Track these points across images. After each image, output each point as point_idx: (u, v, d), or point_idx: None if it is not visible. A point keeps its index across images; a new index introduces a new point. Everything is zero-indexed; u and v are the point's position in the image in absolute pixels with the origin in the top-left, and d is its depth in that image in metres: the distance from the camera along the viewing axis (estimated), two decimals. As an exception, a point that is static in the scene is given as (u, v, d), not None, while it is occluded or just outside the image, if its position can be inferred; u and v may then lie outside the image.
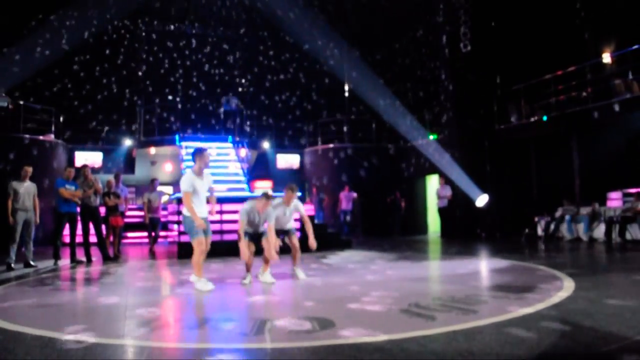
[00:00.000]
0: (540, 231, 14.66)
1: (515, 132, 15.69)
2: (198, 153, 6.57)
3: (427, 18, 17.96)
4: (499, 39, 15.50)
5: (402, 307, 5.00)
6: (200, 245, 6.38)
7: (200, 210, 6.49)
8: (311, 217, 13.35)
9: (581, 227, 13.44)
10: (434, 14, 17.37)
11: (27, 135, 15.56)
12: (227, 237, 11.42)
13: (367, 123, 19.61)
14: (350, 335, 3.97)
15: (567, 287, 5.94)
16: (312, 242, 7.25)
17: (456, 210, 15.64)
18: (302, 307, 5.34)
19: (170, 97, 20.45)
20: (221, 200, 10.81)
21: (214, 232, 11.13)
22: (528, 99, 15.49)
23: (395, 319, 4.54)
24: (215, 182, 15.40)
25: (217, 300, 5.88)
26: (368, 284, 6.76)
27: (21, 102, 15.81)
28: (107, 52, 19.93)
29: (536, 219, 14.88)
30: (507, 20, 15.42)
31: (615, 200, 13.57)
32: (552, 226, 14.20)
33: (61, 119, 17.61)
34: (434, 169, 16.97)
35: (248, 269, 7.03)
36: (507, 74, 15.84)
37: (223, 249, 10.46)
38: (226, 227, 11.63)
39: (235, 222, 11.65)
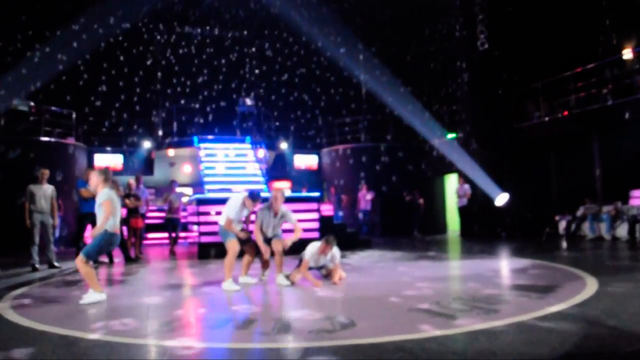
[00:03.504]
0: (561, 230, 14.50)
1: (535, 130, 15.54)
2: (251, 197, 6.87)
3: (444, 16, 17.87)
4: (517, 36, 15.36)
5: (423, 306, 4.99)
6: (234, 247, 6.68)
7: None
8: (330, 217, 13.45)
9: (603, 226, 13.26)
10: (451, 12, 17.27)
11: (48, 139, 15.81)
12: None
13: (384, 122, 19.55)
14: (371, 334, 3.98)
15: (590, 286, 5.87)
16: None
17: (475, 209, 15.54)
18: (322, 306, 5.35)
19: (188, 99, 20.59)
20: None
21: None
22: (547, 96, 15.34)
23: (416, 318, 4.53)
24: (234, 182, 15.58)
25: (238, 300, 5.92)
26: (388, 283, 6.75)
27: (42, 106, 16.05)
28: (127, 55, 20.13)
29: (557, 218, 14.71)
30: (524, 17, 15.27)
31: (638, 199, 13.34)
32: (574, 225, 14.03)
33: (82, 122, 17.88)
34: (452, 168, 16.88)
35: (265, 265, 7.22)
36: (525, 72, 15.68)
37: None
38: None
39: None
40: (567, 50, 14.71)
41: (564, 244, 12.37)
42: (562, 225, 14.48)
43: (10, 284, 7.57)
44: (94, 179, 6.18)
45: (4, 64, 16.28)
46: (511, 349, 3.56)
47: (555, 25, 14.82)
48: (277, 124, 21.39)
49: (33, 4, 17.01)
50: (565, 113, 14.47)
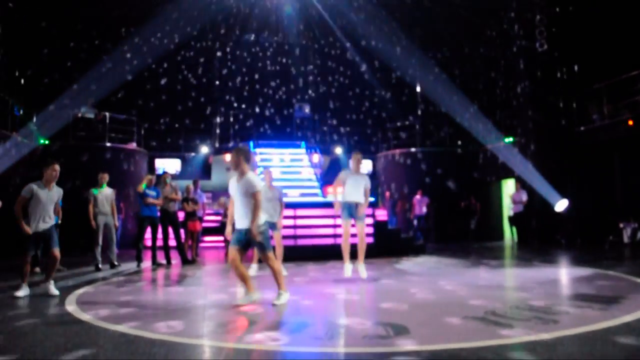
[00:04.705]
0: (626, 238, 13.87)
1: (597, 133, 14.93)
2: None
3: (502, 18, 17.49)
4: (578, 34, 14.81)
5: (478, 314, 4.90)
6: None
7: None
8: (384, 223, 13.37)
9: (673, 234, 12.63)
10: (509, 14, 16.88)
11: (112, 144, 16.45)
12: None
13: (440, 126, 19.31)
14: (425, 342, 3.94)
15: (657, 297, 5.61)
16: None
17: (532, 215, 15.09)
18: (375, 312, 5.33)
19: (244, 105, 20.97)
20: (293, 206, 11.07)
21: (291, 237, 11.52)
22: (611, 98, 14.72)
23: (471, 326, 4.45)
24: (289, 187, 15.76)
25: (292, 303, 5.97)
26: (442, 290, 6.65)
27: (107, 113, 16.73)
28: (186, 62, 20.73)
29: (621, 225, 14.09)
30: (586, 14, 14.71)
31: None
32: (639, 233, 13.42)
33: (143, 128, 18.53)
34: (510, 173, 16.47)
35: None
36: (587, 72, 15.11)
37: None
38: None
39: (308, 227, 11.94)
40: (633, 48, 14.06)
41: (629, 253, 11.84)
42: (627, 233, 13.85)
43: (75, 282, 7.92)
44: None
45: (71, 73, 17.09)
46: (571, 361, 3.44)
47: (619, 21, 14.17)
48: (333, 129, 21.47)
49: (98, 16, 17.76)
50: (630, 116, 13.82)
